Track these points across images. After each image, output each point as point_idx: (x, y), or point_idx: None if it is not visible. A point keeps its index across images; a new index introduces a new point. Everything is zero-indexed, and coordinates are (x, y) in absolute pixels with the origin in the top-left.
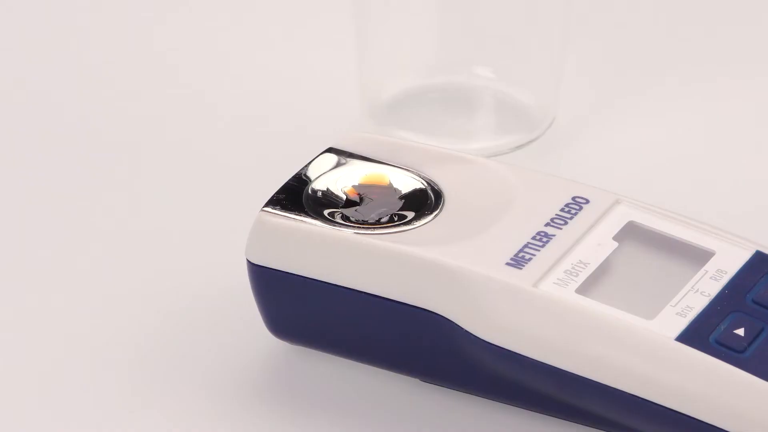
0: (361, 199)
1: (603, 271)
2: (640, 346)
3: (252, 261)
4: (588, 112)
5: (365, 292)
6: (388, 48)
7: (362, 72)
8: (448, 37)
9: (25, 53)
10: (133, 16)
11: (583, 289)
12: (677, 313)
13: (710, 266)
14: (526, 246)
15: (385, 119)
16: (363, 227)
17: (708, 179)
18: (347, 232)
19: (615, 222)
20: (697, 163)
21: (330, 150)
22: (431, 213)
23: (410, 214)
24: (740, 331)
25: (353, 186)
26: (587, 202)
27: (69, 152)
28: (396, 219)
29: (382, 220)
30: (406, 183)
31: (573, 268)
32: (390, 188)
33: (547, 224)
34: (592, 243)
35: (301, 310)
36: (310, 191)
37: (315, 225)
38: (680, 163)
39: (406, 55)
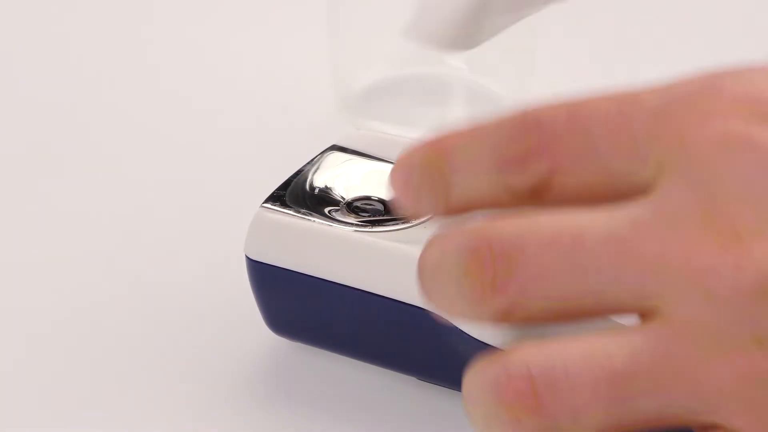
0: (362, 197)
1: None
2: None
3: (251, 257)
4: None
5: (364, 290)
6: (361, 38)
7: (335, 63)
8: None
9: (25, 58)
10: (126, 18)
11: None
12: None
13: None
14: None
15: (358, 110)
16: (363, 225)
17: None
18: (347, 230)
19: None
20: None
21: (333, 147)
22: None
23: None
24: None
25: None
26: None
27: (67, 151)
28: (396, 217)
29: (382, 217)
30: None
31: None
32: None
33: None
34: None
35: (300, 306)
36: (310, 188)
37: (314, 222)
38: None
39: (379, 46)
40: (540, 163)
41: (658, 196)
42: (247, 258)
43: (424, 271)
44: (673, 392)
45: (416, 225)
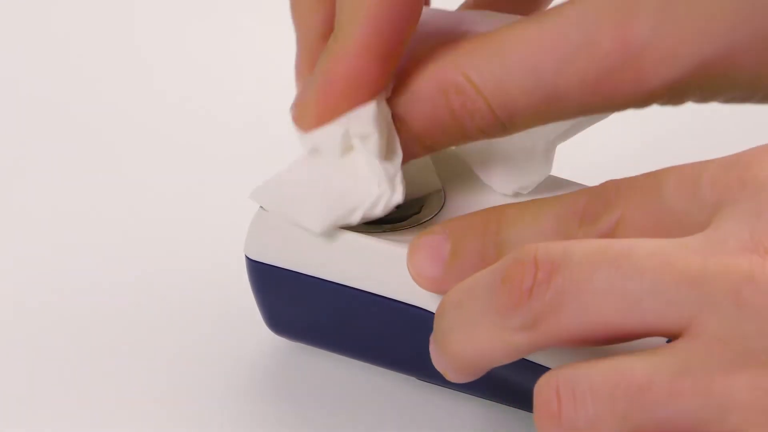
0: None
1: None
2: None
3: (251, 257)
4: None
5: (363, 290)
6: None
7: None
8: None
9: (25, 58)
10: (125, 19)
11: None
12: None
13: None
14: None
15: None
16: (362, 225)
17: None
18: (346, 230)
19: None
20: (684, 158)
21: None
22: (432, 212)
23: (410, 213)
24: None
25: None
26: None
27: (67, 151)
28: (395, 218)
29: (382, 218)
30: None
31: None
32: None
33: None
34: None
35: (300, 307)
36: None
37: None
38: (666, 157)
39: None
40: (613, 212)
41: (711, 227)
42: (247, 258)
43: (448, 305)
44: (687, 402)
45: (417, 226)
